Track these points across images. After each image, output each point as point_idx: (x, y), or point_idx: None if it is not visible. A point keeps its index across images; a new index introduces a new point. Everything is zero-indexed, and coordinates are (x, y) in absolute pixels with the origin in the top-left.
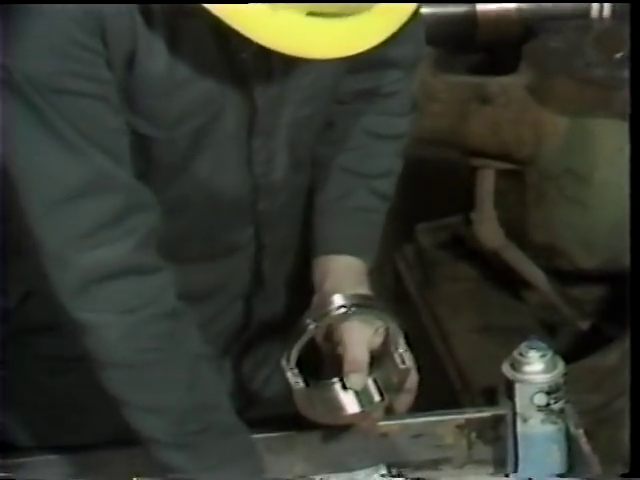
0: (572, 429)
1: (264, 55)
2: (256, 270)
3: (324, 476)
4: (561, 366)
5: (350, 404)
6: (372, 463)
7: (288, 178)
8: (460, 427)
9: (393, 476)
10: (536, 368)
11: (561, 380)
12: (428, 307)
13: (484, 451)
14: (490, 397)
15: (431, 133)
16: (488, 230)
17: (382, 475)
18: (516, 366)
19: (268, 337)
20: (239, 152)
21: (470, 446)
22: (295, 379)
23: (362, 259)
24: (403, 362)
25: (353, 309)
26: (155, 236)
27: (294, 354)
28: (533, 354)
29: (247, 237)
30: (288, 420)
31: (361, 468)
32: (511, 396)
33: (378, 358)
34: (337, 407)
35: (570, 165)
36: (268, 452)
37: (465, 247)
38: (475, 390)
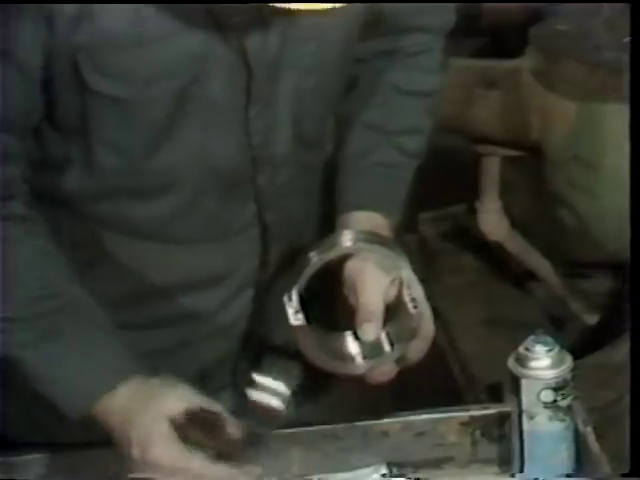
0: (580, 427)
1: (257, 18)
2: (263, 255)
3: (322, 476)
4: (569, 361)
5: (359, 355)
6: (372, 462)
7: (292, 153)
8: (464, 425)
9: (394, 476)
10: (543, 363)
11: (569, 376)
12: (430, 300)
13: (489, 450)
14: (495, 394)
15: (436, 120)
16: (493, 220)
17: (382, 475)
18: (522, 361)
19: (281, 328)
20: (235, 120)
21: (474, 445)
22: (296, 315)
23: (385, 216)
24: (415, 307)
25: (360, 243)
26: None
27: (297, 289)
28: (540, 349)
29: (249, 216)
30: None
31: (361, 467)
32: (517, 392)
33: (392, 310)
34: (345, 357)
35: (578, 152)
36: (264, 450)
37: (469, 237)
38: (479, 386)
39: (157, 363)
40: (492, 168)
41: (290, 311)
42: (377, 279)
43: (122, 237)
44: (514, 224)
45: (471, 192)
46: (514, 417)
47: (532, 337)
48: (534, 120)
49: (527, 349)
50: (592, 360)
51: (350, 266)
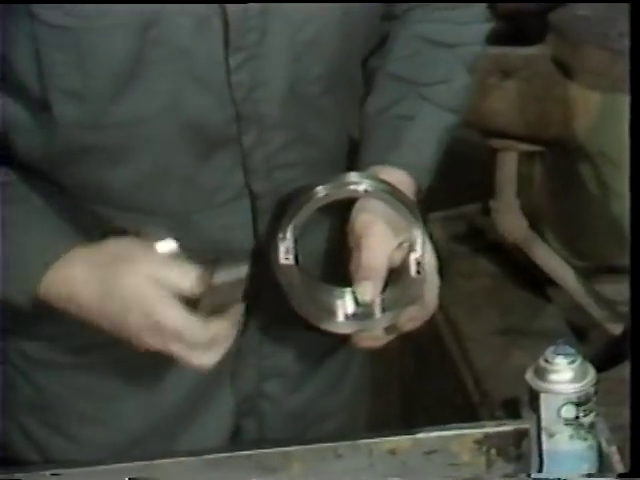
0: (604, 446)
1: None
2: (257, 236)
3: None
4: (592, 374)
5: (344, 313)
6: None
7: (288, 117)
8: (478, 443)
9: None
10: (564, 376)
11: (592, 390)
12: (441, 307)
13: (505, 470)
14: (512, 409)
15: None
16: (509, 220)
17: None
18: (541, 374)
19: (282, 327)
20: (213, 71)
21: (489, 464)
22: (287, 254)
23: (411, 174)
24: (418, 271)
25: (373, 190)
26: None
27: (293, 224)
28: (560, 361)
29: (238, 185)
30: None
31: None
32: (535, 408)
33: (394, 276)
34: (329, 311)
35: (602, 146)
36: (262, 470)
37: (483, 239)
38: (495, 401)
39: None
40: (509, 164)
41: (282, 248)
42: (385, 237)
43: (96, 209)
44: (532, 225)
45: (486, 190)
46: (532, 435)
47: (552, 348)
48: (554, 112)
49: (547, 361)
50: (617, 373)
51: (358, 219)
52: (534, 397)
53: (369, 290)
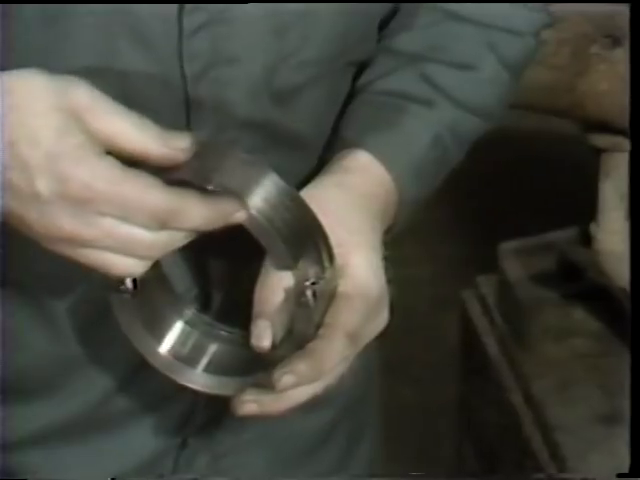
0: None
1: None
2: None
3: None
4: None
5: (203, 362)
6: None
7: (259, 110)
8: None
9: None
10: None
11: None
12: (520, 380)
13: None
14: None
15: (529, 95)
16: (619, 253)
17: None
18: None
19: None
20: (163, 30)
21: None
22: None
23: (390, 168)
24: (307, 305)
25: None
26: None
27: None
28: None
29: None
30: None
31: None
32: None
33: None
34: (186, 357)
35: None
36: None
37: (580, 282)
38: None
39: None
40: (618, 170)
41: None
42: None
43: None
44: None
45: (585, 208)
46: None
47: None
48: None
49: None
50: None
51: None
52: None
53: (266, 331)
